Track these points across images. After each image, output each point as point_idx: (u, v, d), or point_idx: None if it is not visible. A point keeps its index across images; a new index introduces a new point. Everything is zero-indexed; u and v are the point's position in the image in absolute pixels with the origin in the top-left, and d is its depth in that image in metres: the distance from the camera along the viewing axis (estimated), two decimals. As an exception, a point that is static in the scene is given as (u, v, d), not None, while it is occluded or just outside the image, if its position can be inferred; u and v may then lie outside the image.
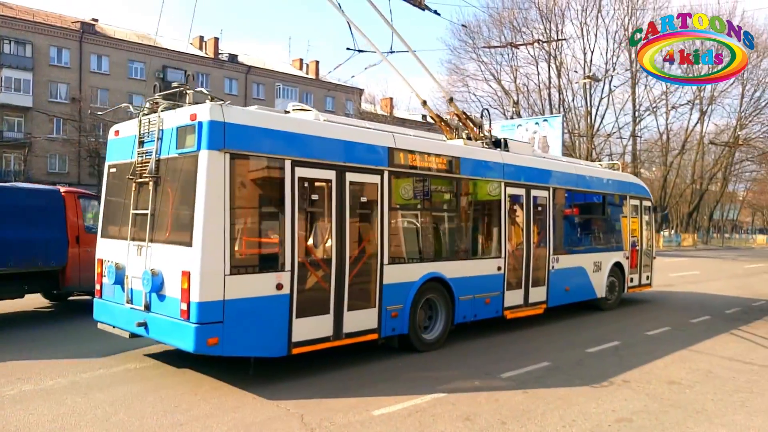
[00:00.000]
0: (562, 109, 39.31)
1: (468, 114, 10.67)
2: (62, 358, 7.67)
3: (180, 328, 6.26)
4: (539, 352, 8.65)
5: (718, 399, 6.73)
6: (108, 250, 7.57)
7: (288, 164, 6.82)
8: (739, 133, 46.55)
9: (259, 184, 6.92)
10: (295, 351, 6.91)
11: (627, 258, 13.52)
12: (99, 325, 7.70)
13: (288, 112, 8.16)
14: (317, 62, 65.18)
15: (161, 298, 6.57)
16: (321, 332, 7.16)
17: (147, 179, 6.89)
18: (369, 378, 7.16)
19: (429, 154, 8.71)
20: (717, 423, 5.96)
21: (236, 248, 6.43)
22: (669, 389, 7.03)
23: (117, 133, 7.85)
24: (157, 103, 7.08)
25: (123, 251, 7.18)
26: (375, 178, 7.83)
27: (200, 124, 6.30)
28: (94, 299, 7.81)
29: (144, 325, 6.71)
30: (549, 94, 40.79)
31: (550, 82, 40.47)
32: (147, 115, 7.13)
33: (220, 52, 58.15)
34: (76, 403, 5.96)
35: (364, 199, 7.79)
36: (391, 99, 60.17)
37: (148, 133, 7.04)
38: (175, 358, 7.75)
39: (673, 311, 13.10)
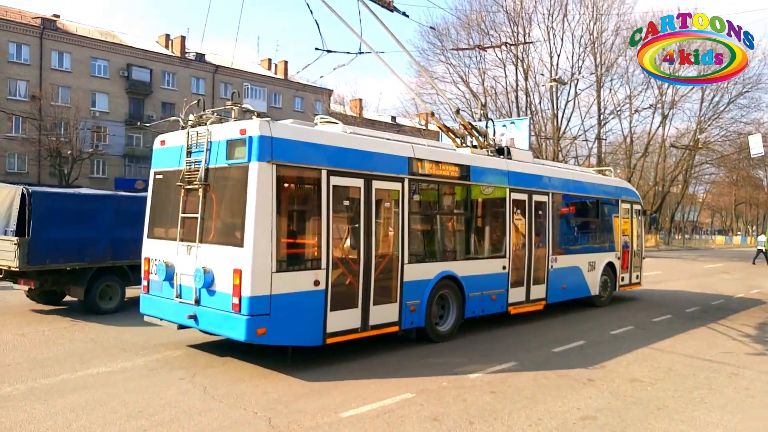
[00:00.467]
0: (529, 112, 39.73)
1: (473, 124, 11.23)
2: (21, 364, 7.45)
3: (231, 320, 6.94)
4: (507, 352, 8.75)
5: (678, 396, 6.91)
6: (155, 250, 8.21)
7: (324, 174, 7.58)
8: (699, 136, 47.77)
9: (299, 191, 7.84)
10: (329, 341, 7.64)
11: (619, 258, 14.39)
12: (146, 318, 8.34)
13: (316, 124, 8.75)
14: (286, 62, 64.68)
15: (211, 293, 7.23)
16: (351, 324, 7.92)
17: (197, 186, 7.55)
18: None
19: (443, 163, 9.50)
20: (677, 419, 6.11)
21: (281, 248, 7.17)
22: (632, 387, 7.18)
23: (163, 142, 8.51)
24: (201, 116, 7.87)
25: (172, 251, 7.83)
26: (396, 185, 8.61)
27: (250, 138, 7.01)
28: (141, 294, 8.43)
29: (194, 317, 7.40)
30: (516, 97, 41.16)
31: (517, 85, 40.86)
32: (194, 127, 7.81)
33: (187, 50, 57.28)
34: (35, 410, 5.79)
35: (387, 204, 8.59)
36: (361, 100, 60.12)
37: (196, 144, 7.72)
38: (140, 363, 7.61)
39: (636, 311, 13.39)
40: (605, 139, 45.53)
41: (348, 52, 11.77)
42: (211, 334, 7.97)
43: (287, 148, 7.24)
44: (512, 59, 40.39)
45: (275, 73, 65.55)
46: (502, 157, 11.11)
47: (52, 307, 11.62)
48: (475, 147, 10.95)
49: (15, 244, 9.81)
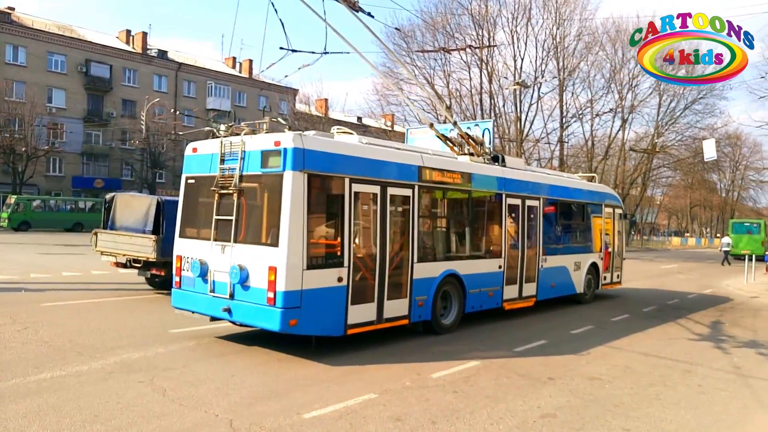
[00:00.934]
0: (493, 114, 40.25)
1: (470, 134, 12.01)
2: (-30, 368, 7.17)
3: (266, 312, 7.66)
4: (469, 352, 8.84)
5: (634, 393, 7.09)
6: (187, 248, 8.88)
7: (347, 181, 8.32)
8: (657, 141, 49.15)
9: (326, 197, 8.43)
10: (350, 332, 8.37)
11: (601, 259, 15.40)
12: (177, 311, 9.13)
13: (334, 135, 9.37)
14: (250, 61, 64.05)
15: (246, 288, 7.94)
16: (368, 317, 8.65)
17: (231, 191, 8.21)
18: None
19: (448, 171, 10.31)
20: (633, 416, 6.27)
21: (310, 248, 7.84)
22: (590, 385, 7.33)
23: (195, 150, 9.11)
24: (232, 126, 8.69)
25: (206, 250, 8.51)
26: (408, 192, 9.37)
27: (285, 150, 7.71)
28: (173, 289, 9.07)
29: (228, 310, 8.10)
30: (480, 99, 41.62)
31: (481, 88, 41.32)
32: (227, 137, 8.50)
33: (148, 47, 56.15)
34: (-15, 416, 5.58)
35: (399, 209, 9.33)
36: (326, 100, 59.91)
37: (230, 152, 8.35)
38: (96, 366, 7.41)
39: (595, 310, 13.69)
40: (567, 142, 46.40)
41: (313, 52, 11.71)
42: (244, 325, 8.62)
43: (316, 159, 7.97)
44: (477, 62, 40.86)
45: (240, 72, 64.78)
46: (496, 164, 11.97)
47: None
48: (471, 155, 11.65)
49: (153, 240, 12.15)
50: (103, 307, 11.59)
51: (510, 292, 11.73)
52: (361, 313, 8.51)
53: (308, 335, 8.19)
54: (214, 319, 8.71)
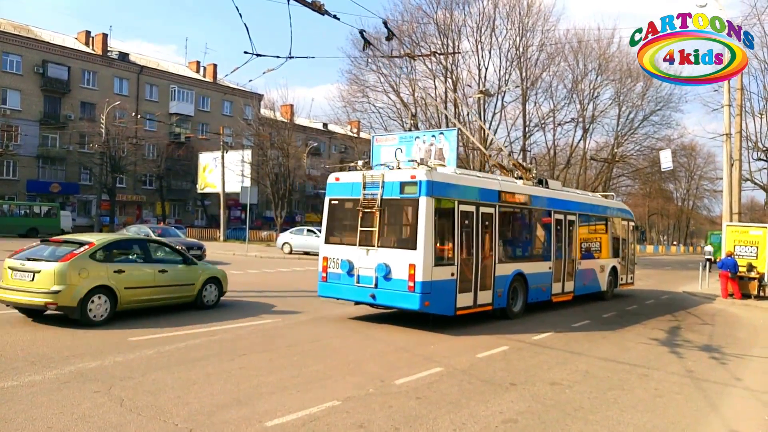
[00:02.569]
0: (457, 123, 40.54)
1: (520, 162, 14.90)
2: None
3: (408, 296, 10.49)
4: (432, 359, 8.88)
5: (594, 397, 7.22)
6: (333, 252, 11.68)
7: (456, 203, 11.25)
8: (617, 150, 50.33)
9: (444, 214, 11.03)
10: (458, 313, 11.19)
11: (620, 263, 18.49)
12: (321, 299, 12.18)
13: (434, 168, 11.44)
14: (215, 65, 63.35)
15: (388, 280, 10.75)
16: (468, 302, 11.47)
17: (374, 210, 11.07)
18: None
19: (516, 193, 13.31)
20: (592, 420, 6.38)
21: (436, 252, 10.64)
22: (551, 390, 7.44)
23: (337, 179, 11.99)
24: (367, 163, 12.06)
25: (352, 252, 11.31)
26: (492, 210, 12.28)
27: (420, 181, 10.64)
28: (319, 283, 11.88)
29: (373, 296, 10.94)
30: (446, 108, 41.99)
31: (446, 96, 41.68)
32: (367, 171, 11.54)
33: (109, 49, 54.97)
34: (-70, 429, 5.34)
35: (486, 223, 12.10)
36: (292, 106, 59.61)
37: (371, 182, 11.24)
38: (50, 376, 7.17)
39: (556, 317, 13.90)
40: (530, 151, 47.13)
41: (278, 56, 11.67)
42: (385, 307, 11.66)
43: (439, 187, 10.82)
44: (442, 71, 41.18)
45: (204, 76, 63.97)
46: (541, 186, 14.89)
47: None
48: (521, 179, 14.59)
49: None
50: (58, 315, 11.21)
51: (556, 288, 14.56)
52: (464, 300, 11.28)
53: (427, 314, 11.05)
54: (358, 303, 11.68)
